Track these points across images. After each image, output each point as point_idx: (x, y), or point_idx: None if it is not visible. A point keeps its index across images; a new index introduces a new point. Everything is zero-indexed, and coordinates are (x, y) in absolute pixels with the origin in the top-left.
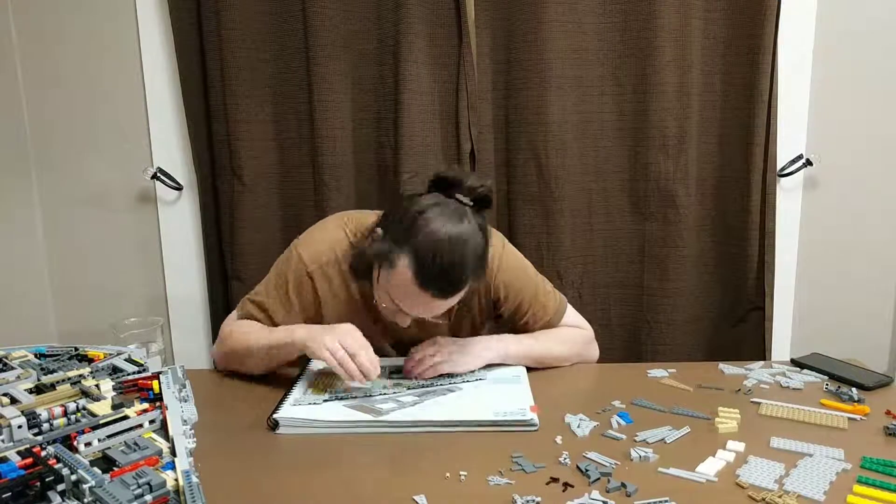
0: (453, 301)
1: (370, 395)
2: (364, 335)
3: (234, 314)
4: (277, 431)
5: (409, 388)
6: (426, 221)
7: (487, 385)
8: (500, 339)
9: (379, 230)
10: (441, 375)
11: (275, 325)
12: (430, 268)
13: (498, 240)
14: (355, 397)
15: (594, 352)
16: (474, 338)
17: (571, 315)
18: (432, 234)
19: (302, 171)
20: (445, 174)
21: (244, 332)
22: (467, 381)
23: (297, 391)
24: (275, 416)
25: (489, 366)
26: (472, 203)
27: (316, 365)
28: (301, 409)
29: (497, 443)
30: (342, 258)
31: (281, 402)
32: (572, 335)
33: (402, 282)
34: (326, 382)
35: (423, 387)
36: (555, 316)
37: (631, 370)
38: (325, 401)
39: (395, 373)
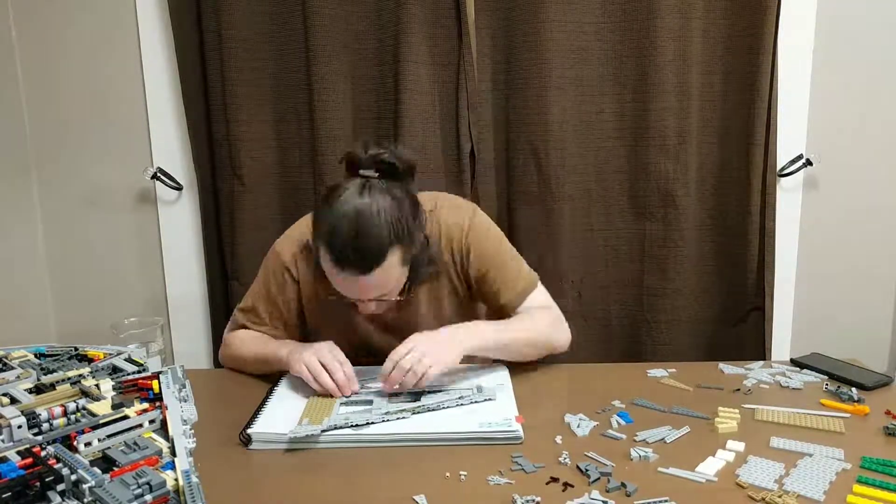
0: (384, 274)
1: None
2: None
3: (228, 328)
4: (250, 447)
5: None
6: (328, 206)
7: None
8: (474, 324)
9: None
10: (427, 393)
11: (266, 327)
12: (339, 249)
13: (469, 207)
14: (356, 424)
15: (564, 334)
16: (445, 327)
17: (541, 295)
18: (333, 214)
19: (302, 171)
20: (348, 153)
21: (240, 341)
22: (460, 405)
23: (275, 408)
24: (248, 431)
25: (472, 372)
26: (376, 174)
27: (288, 379)
28: (276, 423)
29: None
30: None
31: (255, 416)
32: (545, 317)
33: (329, 270)
34: (322, 411)
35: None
36: (525, 288)
37: (631, 370)
38: (324, 430)
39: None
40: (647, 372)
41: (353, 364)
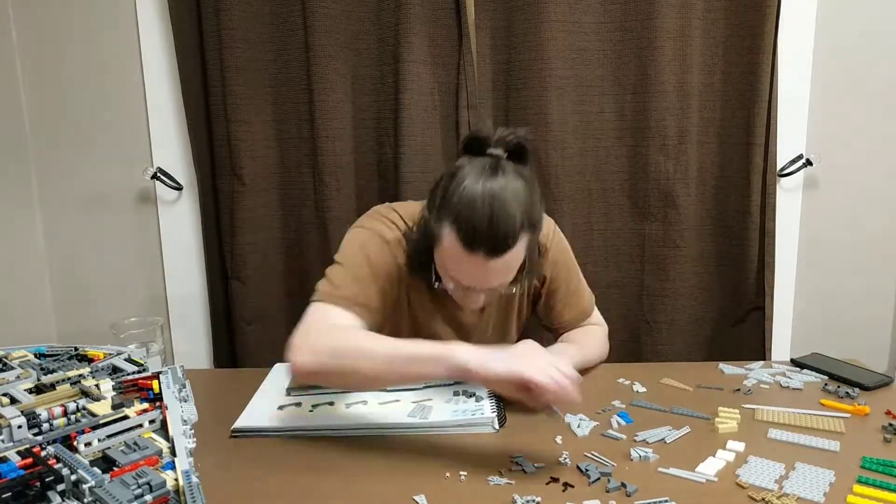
0: (512, 259)
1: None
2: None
3: (312, 314)
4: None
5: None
6: (459, 183)
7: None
8: (560, 346)
9: (425, 212)
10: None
11: (371, 311)
12: (472, 227)
13: (550, 222)
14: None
15: (607, 348)
16: (552, 347)
17: (596, 313)
18: (467, 192)
19: (302, 171)
20: (474, 134)
21: (353, 332)
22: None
23: (255, 405)
24: (233, 426)
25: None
26: (505, 154)
27: (277, 375)
28: (254, 418)
29: (497, 443)
30: (394, 240)
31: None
32: (602, 335)
33: (452, 251)
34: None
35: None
36: (587, 308)
37: (631, 370)
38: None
39: None
40: (646, 372)
41: None
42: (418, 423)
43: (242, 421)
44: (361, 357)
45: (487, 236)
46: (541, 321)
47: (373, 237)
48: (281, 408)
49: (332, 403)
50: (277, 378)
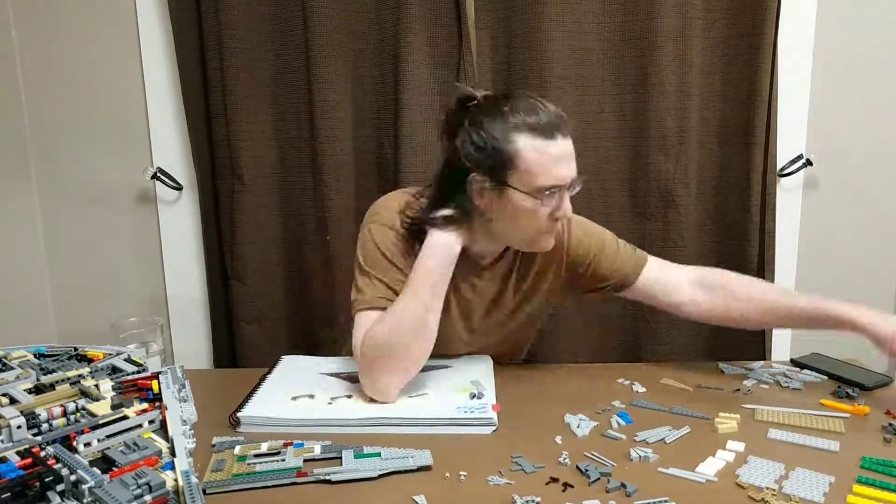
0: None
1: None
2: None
3: (358, 332)
4: (239, 429)
5: None
6: (501, 109)
7: (455, 380)
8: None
9: (474, 174)
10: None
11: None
12: (545, 119)
13: None
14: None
15: None
16: None
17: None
18: (518, 105)
19: (302, 171)
20: (462, 94)
21: (383, 321)
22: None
23: (266, 394)
24: (238, 414)
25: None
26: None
27: (281, 367)
28: (264, 407)
29: (497, 443)
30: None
31: (246, 400)
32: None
33: (538, 155)
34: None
35: None
36: (640, 255)
37: (631, 370)
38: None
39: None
40: (646, 372)
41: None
42: (424, 419)
43: (251, 410)
44: (400, 336)
45: (558, 119)
46: (605, 294)
47: (380, 229)
48: (294, 399)
49: (350, 396)
50: (286, 370)
